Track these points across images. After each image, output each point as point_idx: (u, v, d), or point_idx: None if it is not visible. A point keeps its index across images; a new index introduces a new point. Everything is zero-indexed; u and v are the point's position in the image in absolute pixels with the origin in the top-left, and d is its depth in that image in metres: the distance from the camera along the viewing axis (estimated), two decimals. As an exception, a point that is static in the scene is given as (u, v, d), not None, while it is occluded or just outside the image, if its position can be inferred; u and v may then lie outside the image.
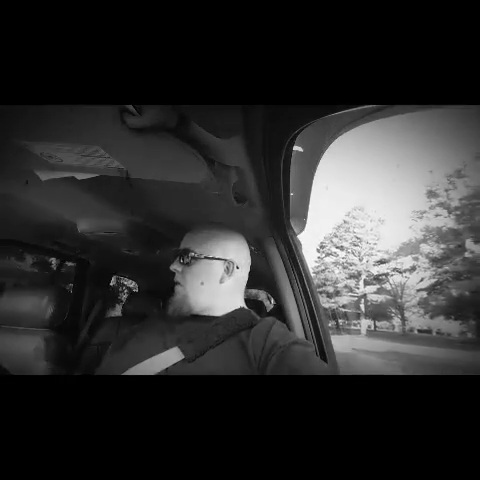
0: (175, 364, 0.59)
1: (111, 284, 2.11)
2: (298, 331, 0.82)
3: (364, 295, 17.39)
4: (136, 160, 0.50)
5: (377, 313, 17.23)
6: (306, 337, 0.81)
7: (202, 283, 0.72)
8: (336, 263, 18.83)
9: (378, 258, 17.66)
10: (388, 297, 16.77)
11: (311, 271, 1.00)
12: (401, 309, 16.66)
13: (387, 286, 16.98)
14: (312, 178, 0.74)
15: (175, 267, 0.72)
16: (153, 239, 1.10)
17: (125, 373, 0.60)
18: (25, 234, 1.22)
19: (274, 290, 0.95)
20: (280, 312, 0.94)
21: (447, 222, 13.22)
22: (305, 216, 0.98)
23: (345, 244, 18.98)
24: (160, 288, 2.44)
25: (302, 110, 0.43)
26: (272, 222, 0.89)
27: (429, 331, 16.52)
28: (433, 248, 13.15)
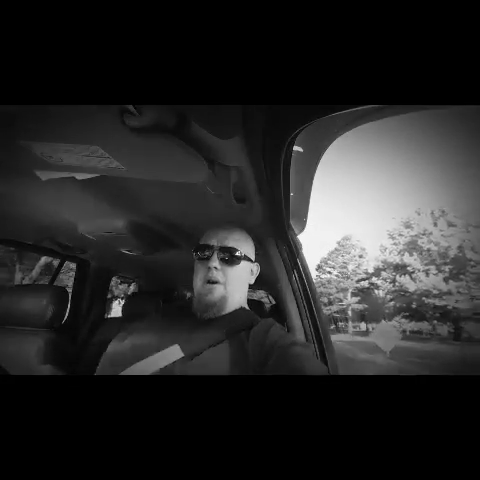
0: (174, 362, 0.60)
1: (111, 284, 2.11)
2: (298, 331, 0.82)
3: (349, 305, 24.12)
4: (136, 160, 0.50)
5: (368, 317, 23.69)
6: (306, 337, 0.81)
7: (241, 284, 0.72)
8: (329, 280, 25.75)
9: (360, 277, 24.66)
10: (366, 305, 23.11)
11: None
12: (385, 314, 22.74)
13: (372, 297, 23.40)
14: (312, 178, 0.74)
15: (215, 264, 0.67)
16: (153, 239, 1.10)
17: (125, 371, 0.60)
18: (25, 234, 1.22)
19: (274, 290, 0.94)
20: (279, 312, 0.94)
21: (396, 259, 19.85)
22: (305, 216, 0.98)
23: (336, 266, 26.14)
24: (160, 288, 2.44)
25: (302, 110, 0.43)
26: (272, 222, 0.89)
27: (420, 332, 21.65)
28: (389, 275, 20.23)
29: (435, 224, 17.69)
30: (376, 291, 22.74)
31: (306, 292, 0.88)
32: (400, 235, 20.20)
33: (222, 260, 0.69)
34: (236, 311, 0.70)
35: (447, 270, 16.10)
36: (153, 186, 0.70)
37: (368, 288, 23.39)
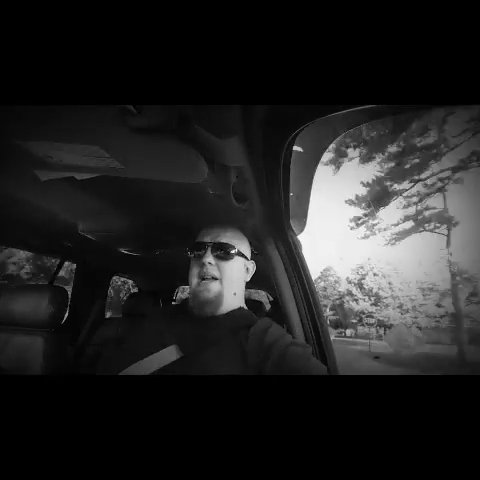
0: (174, 362, 0.60)
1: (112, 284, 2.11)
2: (298, 331, 0.82)
3: (327, 316, 32.50)
4: (136, 160, 0.50)
5: (344, 325, 32.09)
6: (305, 336, 0.81)
7: (236, 280, 0.72)
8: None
9: (335, 297, 33.23)
10: (338, 317, 31.52)
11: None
12: (355, 324, 31.83)
13: (342, 311, 31.73)
14: (312, 178, 0.74)
15: (209, 260, 0.67)
16: (153, 239, 1.10)
17: (124, 371, 0.60)
18: (25, 234, 1.22)
19: (274, 290, 0.94)
20: (278, 311, 0.94)
21: (352, 289, 30.54)
22: (305, 216, 0.97)
23: (319, 289, 34.08)
24: (160, 288, 2.44)
25: (302, 110, 0.43)
26: (272, 222, 0.89)
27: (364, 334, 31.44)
28: (349, 299, 30.41)
29: (368, 272, 30.13)
30: (344, 307, 32.47)
31: (305, 292, 0.88)
32: (357, 273, 31.09)
33: (216, 256, 0.68)
34: (234, 311, 0.70)
35: (373, 300, 28.55)
36: (153, 186, 0.70)
37: (340, 305, 32.90)
